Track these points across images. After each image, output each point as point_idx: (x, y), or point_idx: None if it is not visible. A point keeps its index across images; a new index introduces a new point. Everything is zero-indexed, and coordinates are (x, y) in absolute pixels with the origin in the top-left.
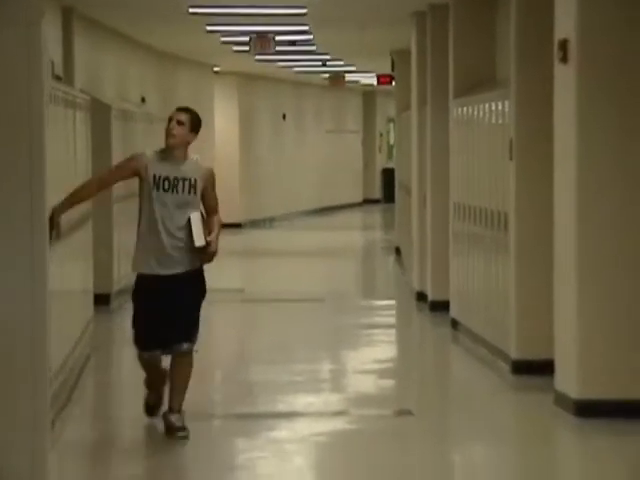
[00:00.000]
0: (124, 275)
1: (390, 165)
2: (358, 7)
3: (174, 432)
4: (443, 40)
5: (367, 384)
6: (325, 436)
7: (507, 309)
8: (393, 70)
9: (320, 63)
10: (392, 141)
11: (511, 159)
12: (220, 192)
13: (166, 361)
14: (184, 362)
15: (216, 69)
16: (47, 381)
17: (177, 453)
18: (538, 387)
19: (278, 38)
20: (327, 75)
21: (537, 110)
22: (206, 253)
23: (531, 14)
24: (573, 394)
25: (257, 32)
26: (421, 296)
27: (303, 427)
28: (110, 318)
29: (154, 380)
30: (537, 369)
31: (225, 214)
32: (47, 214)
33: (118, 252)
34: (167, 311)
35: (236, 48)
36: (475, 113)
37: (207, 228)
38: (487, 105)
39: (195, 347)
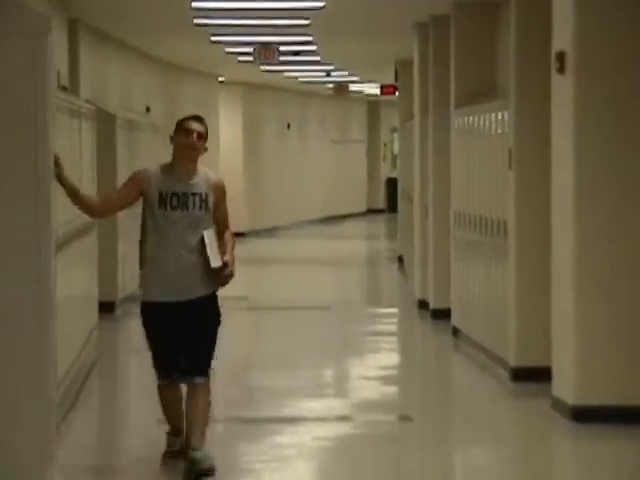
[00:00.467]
0: (129, 282)
1: (394, 175)
2: (361, 18)
3: (199, 476)
4: (444, 50)
5: (369, 390)
6: (328, 440)
7: (506, 316)
8: (397, 80)
9: (324, 73)
10: (396, 151)
11: (510, 168)
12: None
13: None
14: (199, 393)
15: (221, 79)
16: (53, 385)
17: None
18: (536, 393)
19: (282, 48)
20: (331, 85)
21: (536, 120)
22: (222, 275)
23: (530, 26)
24: (570, 400)
25: (261, 42)
26: (423, 304)
27: (306, 432)
28: (115, 325)
29: (175, 414)
30: (536, 376)
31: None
32: (52, 224)
33: (123, 260)
34: (181, 342)
35: (241, 58)
36: (475, 123)
37: (220, 247)
38: (487, 115)
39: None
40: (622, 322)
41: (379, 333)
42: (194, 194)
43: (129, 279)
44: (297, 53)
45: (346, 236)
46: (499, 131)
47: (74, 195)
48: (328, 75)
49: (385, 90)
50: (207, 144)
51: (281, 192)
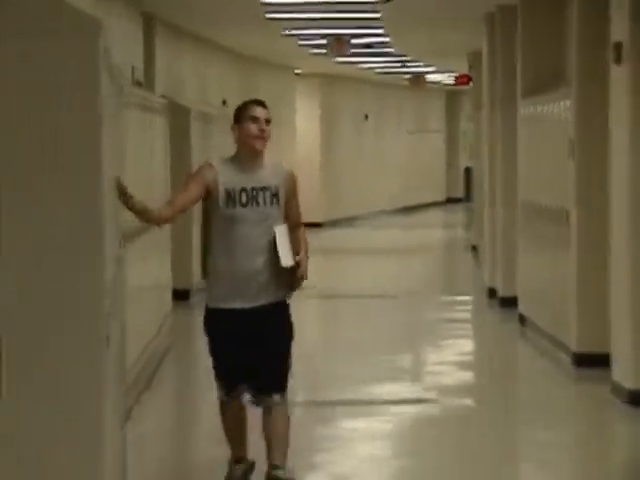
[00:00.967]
0: None
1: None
2: (430, 10)
3: None
4: (512, 40)
5: (440, 375)
6: (404, 422)
7: (569, 304)
8: (470, 70)
9: (400, 64)
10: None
11: (572, 157)
12: (300, 191)
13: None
14: (279, 415)
15: (297, 71)
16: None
17: (258, 435)
18: (597, 378)
19: (355, 41)
20: (408, 77)
21: (597, 109)
22: (295, 276)
23: (591, 17)
24: (628, 384)
25: (333, 35)
26: (492, 292)
27: (384, 413)
28: (190, 312)
29: (238, 436)
30: (597, 361)
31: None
32: (105, 228)
33: (197, 248)
34: (253, 354)
35: (314, 51)
36: (541, 113)
37: (292, 247)
38: (551, 105)
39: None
40: None
41: (449, 320)
42: (264, 188)
43: None
44: (370, 45)
45: (424, 225)
46: (562, 121)
47: (143, 215)
48: (404, 66)
49: (459, 80)
50: (282, 136)
51: (359, 182)
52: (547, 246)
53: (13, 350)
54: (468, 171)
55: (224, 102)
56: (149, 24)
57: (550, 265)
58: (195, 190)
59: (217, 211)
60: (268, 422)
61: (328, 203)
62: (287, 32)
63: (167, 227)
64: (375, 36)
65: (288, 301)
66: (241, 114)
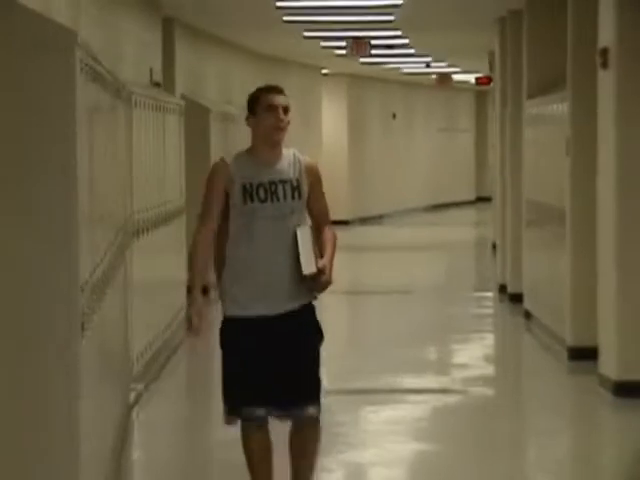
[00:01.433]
0: None
1: None
2: (444, 14)
3: None
4: (520, 43)
5: (448, 367)
6: (430, 410)
7: (564, 300)
8: (491, 71)
9: (424, 65)
10: None
11: (568, 156)
12: (327, 189)
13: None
14: (310, 433)
15: (324, 71)
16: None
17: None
18: (588, 371)
19: (375, 42)
20: (434, 76)
21: (589, 111)
22: (317, 282)
23: (584, 23)
24: (613, 376)
25: (353, 37)
26: (503, 288)
27: (411, 401)
28: (208, 307)
29: (264, 471)
30: (589, 355)
31: (332, 211)
32: (79, 244)
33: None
34: (279, 365)
35: (338, 52)
36: (542, 114)
37: (317, 247)
38: (551, 106)
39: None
40: None
41: (463, 315)
42: (283, 181)
43: None
44: (390, 46)
45: (451, 224)
46: (560, 122)
47: (200, 269)
48: (428, 66)
49: (480, 80)
50: (308, 134)
51: (387, 181)
52: (548, 244)
53: None
54: None
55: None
56: (169, 27)
57: (550, 262)
58: (219, 201)
59: (234, 209)
60: (298, 440)
61: (355, 201)
62: (308, 34)
63: (182, 221)
64: (395, 38)
65: (314, 303)
66: (257, 103)
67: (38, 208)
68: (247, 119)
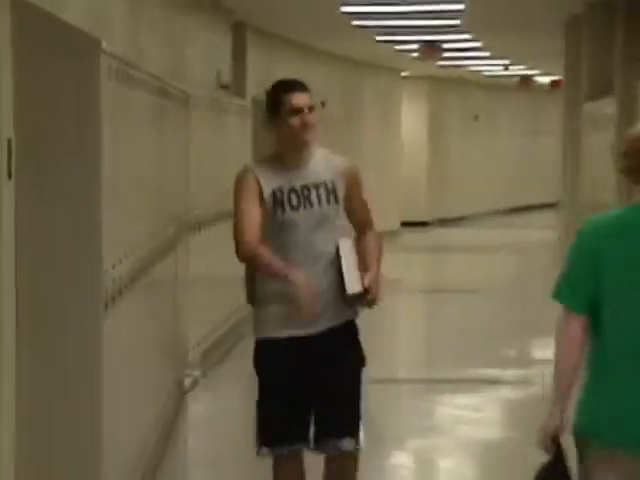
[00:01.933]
0: None
1: None
2: (508, 18)
3: None
4: (579, 47)
5: (533, 360)
6: (507, 400)
7: None
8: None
9: (502, 67)
10: None
11: (615, 162)
12: (407, 190)
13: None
14: (346, 467)
15: (404, 74)
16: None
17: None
18: None
19: (449, 45)
20: (516, 78)
21: (635, 115)
22: (363, 301)
23: (632, 30)
24: None
25: (424, 41)
26: None
27: (488, 391)
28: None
29: None
30: None
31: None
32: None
33: None
34: (316, 394)
35: (414, 55)
36: (595, 118)
37: (360, 258)
38: (602, 110)
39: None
40: None
41: (541, 314)
42: (317, 185)
43: None
44: (463, 49)
45: (533, 226)
46: (610, 126)
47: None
48: (506, 69)
49: (554, 84)
50: (387, 137)
51: (468, 183)
52: None
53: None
54: None
55: (323, 104)
56: (240, 31)
57: None
58: (257, 208)
59: (265, 219)
60: (334, 472)
61: (435, 203)
62: (381, 38)
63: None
64: (466, 41)
65: (356, 320)
66: (278, 104)
67: (64, 200)
68: (267, 122)
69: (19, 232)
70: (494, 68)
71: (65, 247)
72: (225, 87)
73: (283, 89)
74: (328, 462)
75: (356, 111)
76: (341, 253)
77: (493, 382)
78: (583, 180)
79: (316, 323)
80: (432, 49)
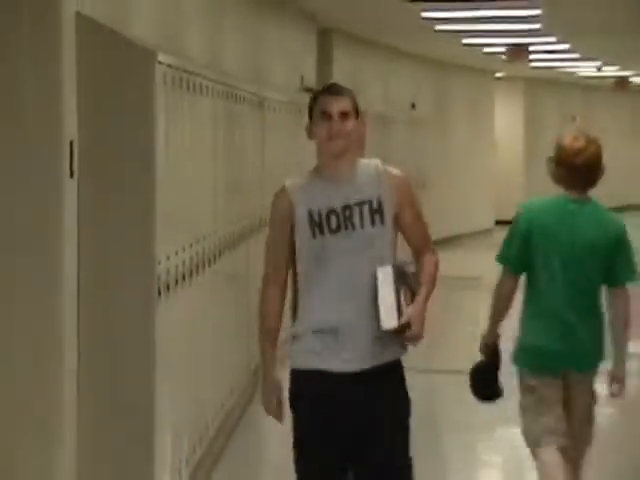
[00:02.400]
0: None
1: None
2: (588, 19)
3: None
4: None
5: None
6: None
7: None
8: None
9: (595, 68)
10: None
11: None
12: (502, 193)
13: None
14: None
15: (498, 75)
16: None
17: None
18: None
19: (535, 48)
20: (611, 79)
21: None
22: (403, 337)
23: None
24: None
25: (511, 44)
26: None
27: None
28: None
29: None
30: None
31: (507, 211)
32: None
33: None
34: (358, 440)
35: (504, 57)
36: None
37: (411, 287)
38: None
39: None
40: None
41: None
42: (360, 203)
43: None
44: (550, 51)
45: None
46: None
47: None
48: (599, 70)
49: None
50: (479, 140)
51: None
52: None
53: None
54: None
55: (413, 105)
56: (325, 36)
57: None
58: (282, 247)
59: (301, 244)
60: None
61: None
62: (467, 41)
63: None
64: (554, 43)
65: (402, 360)
66: (313, 109)
67: (121, 198)
68: (307, 129)
69: (81, 226)
70: (588, 69)
71: (122, 240)
72: (309, 90)
73: (319, 92)
74: None
75: (447, 112)
76: (378, 283)
77: None
78: None
79: (363, 359)
80: (519, 51)
